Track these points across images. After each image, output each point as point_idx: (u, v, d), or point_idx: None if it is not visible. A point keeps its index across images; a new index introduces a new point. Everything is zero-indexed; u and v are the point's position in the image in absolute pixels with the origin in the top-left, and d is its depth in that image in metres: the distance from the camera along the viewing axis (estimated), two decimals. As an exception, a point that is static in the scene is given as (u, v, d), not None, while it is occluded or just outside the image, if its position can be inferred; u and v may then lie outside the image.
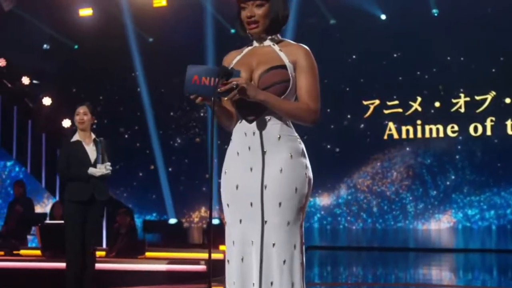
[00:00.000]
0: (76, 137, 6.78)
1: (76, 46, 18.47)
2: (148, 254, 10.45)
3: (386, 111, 16.62)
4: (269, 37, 3.47)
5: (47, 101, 13.93)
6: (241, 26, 3.50)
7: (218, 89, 3.13)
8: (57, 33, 17.79)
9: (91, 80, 18.19)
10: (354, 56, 16.86)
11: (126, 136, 18.05)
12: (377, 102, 16.71)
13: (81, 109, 6.77)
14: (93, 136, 6.84)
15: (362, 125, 16.81)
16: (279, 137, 3.34)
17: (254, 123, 3.35)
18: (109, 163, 6.54)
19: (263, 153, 3.32)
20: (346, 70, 16.53)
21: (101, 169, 6.48)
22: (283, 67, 3.35)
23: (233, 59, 3.52)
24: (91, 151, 6.66)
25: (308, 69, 3.37)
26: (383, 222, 16.50)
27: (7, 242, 10.99)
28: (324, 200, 16.96)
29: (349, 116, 16.97)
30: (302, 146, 3.42)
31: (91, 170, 6.52)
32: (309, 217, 16.57)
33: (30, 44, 16.87)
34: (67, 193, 6.55)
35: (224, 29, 16.04)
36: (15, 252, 10.42)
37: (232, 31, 15.31)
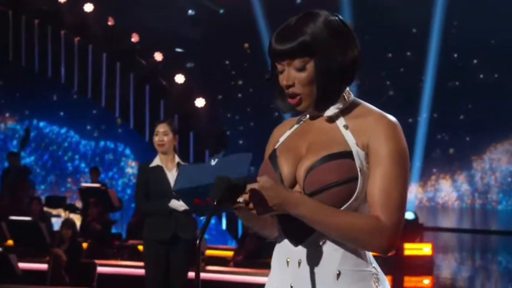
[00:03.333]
0: (156, 162, 5.59)
1: (221, 11, 17.66)
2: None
3: None
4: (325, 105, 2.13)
5: (179, 78, 13.08)
6: (281, 94, 2.18)
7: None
8: (202, -2, 17.06)
9: (236, 47, 17.28)
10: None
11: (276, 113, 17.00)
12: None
13: (161, 128, 5.55)
14: (177, 159, 5.64)
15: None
16: (338, 274, 2.03)
17: (301, 247, 2.06)
18: (195, 194, 5.29)
19: None
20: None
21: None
22: (347, 155, 2.02)
23: (280, 137, 2.22)
24: (174, 179, 5.45)
25: (389, 159, 2.01)
26: None
27: (135, 235, 10.36)
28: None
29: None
30: (382, 287, 2.08)
31: (173, 203, 5.26)
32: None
33: (175, 11, 16.17)
34: (146, 230, 5.46)
35: None
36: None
37: None
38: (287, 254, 2.09)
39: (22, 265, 8.41)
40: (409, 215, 10.34)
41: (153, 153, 13.05)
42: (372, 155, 2.02)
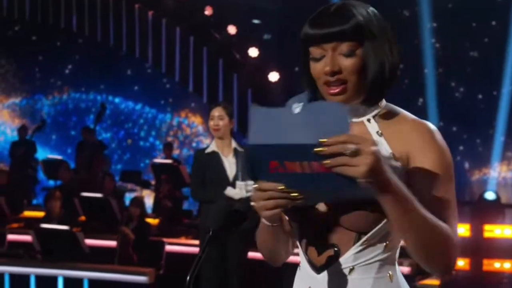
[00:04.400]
0: (212, 147, 5.36)
1: (300, -20, 17.25)
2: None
3: None
4: (364, 105, 1.87)
5: (253, 52, 12.83)
6: (309, 82, 1.91)
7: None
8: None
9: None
10: None
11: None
12: None
13: (216, 112, 5.32)
14: (234, 145, 5.40)
15: None
16: None
17: (325, 275, 1.80)
18: (251, 182, 5.03)
19: None
20: None
21: (241, 190, 4.99)
22: None
23: None
24: (230, 165, 5.22)
25: (439, 171, 1.76)
26: None
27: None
28: None
29: None
30: None
31: (229, 191, 5.02)
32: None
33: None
34: (201, 219, 5.29)
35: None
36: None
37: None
38: (308, 283, 1.85)
39: (91, 242, 8.43)
40: (490, 195, 9.85)
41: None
42: (417, 168, 1.75)
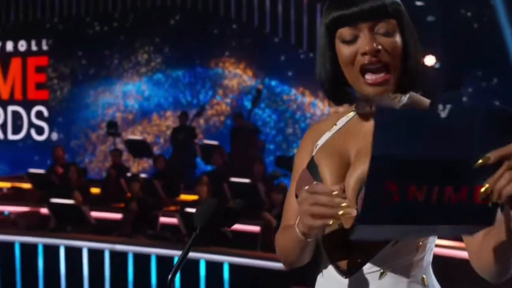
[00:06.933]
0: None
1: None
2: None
3: None
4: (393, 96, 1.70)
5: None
6: (334, 77, 1.74)
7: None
8: None
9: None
10: None
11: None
12: None
13: None
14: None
15: None
16: None
17: (354, 279, 1.65)
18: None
19: None
20: None
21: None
22: None
23: (317, 141, 1.78)
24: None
25: None
26: None
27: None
28: None
29: None
30: None
31: None
32: None
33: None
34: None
35: None
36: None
37: None
38: (333, 285, 1.71)
39: (235, 227, 8.54)
40: None
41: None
42: None
